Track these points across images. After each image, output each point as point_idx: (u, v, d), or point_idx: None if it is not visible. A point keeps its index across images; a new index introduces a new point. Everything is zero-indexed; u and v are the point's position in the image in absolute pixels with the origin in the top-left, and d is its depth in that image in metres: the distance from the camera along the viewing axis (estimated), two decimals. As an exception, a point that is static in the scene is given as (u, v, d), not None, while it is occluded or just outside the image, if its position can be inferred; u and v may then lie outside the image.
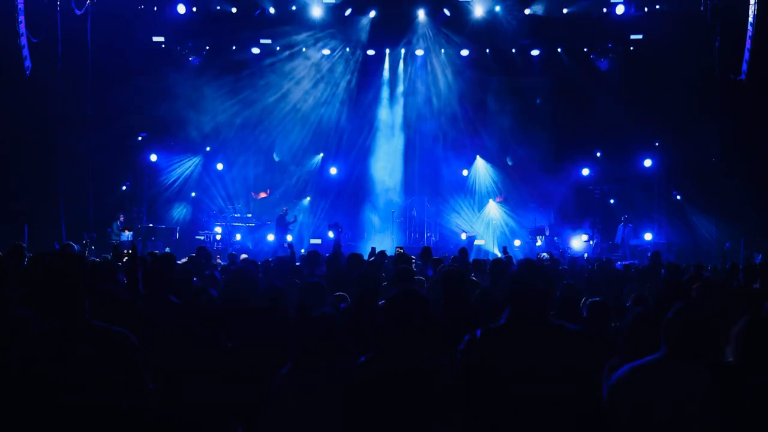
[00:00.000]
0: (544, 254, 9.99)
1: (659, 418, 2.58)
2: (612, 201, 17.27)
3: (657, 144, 16.59)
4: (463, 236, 17.09)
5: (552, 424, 2.61)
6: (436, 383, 2.72)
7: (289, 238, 17.13)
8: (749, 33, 13.85)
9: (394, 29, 17.55)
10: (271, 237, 16.90)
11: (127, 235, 14.14)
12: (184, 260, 10.94)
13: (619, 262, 12.41)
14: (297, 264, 7.41)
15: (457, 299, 4.33)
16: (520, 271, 2.86)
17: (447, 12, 16.96)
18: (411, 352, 2.75)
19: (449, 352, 2.83)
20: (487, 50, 17.74)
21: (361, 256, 6.68)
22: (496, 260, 7.15)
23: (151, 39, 16.84)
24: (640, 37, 16.62)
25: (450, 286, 4.38)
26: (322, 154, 18.74)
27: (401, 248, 11.00)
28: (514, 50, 17.60)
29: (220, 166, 18.16)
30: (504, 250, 12.61)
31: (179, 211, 17.77)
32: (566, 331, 2.75)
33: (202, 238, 16.65)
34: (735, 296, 4.21)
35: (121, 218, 15.49)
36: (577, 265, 10.30)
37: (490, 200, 18.36)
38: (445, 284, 4.41)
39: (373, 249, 9.05)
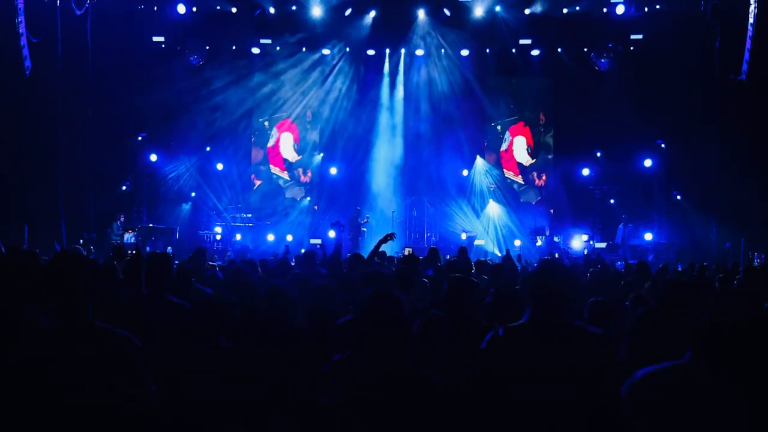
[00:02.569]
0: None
1: (679, 424, 2.55)
2: (612, 201, 17.26)
3: (662, 145, 16.56)
4: (463, 236, 17.08)
5: (568, 423, 2.62)
6: (434, 393, 2.65)
7: (289, 238, 17.13)
8: (749, 33, 13.85)
9: (394, 29, 17.54)
10: (271, 237, 16.89)
11: (130, 235, 14.14)
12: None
13: (619, 263, 12.40)
14: (292, 264, 7.40)
15: (461, 304, 4.28)
16: (541, 270, 2.87)
17: (447, 12, 16.97)
18: (386, 354, 2.66)
19: (453, 354, 2.82)
20: (487, 50, 17.76)
21: (362, 257, 6.65)
22: (496, 265, 7.22)
23: (151, 39, 16.85)
24: (640, 37, 16.63)
25: (455, 293, 4.33)
26: (322, 154, 18.74)
27: (410, 248, 10.98)
28: (514, 50, 17.61)
29: (220, 166, 18.16)
30: (507, 252, 12.59)
31: (179, 211, 17.76)
32: (587, 333, 2.77)
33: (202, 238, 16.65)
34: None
35: (122, 218, 15.49)
36: (577, 265, 10.29)
37: (491, 200, 18.37)
38: (450, 290, 4.35)
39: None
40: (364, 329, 2.73)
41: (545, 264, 2.94)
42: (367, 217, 16.42)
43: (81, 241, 13.51)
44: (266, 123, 18.81)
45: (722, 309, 5.10)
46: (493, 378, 2.69)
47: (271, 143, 18.94)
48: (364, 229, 16.25)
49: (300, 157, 18.94)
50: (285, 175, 18.97)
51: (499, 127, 18.85)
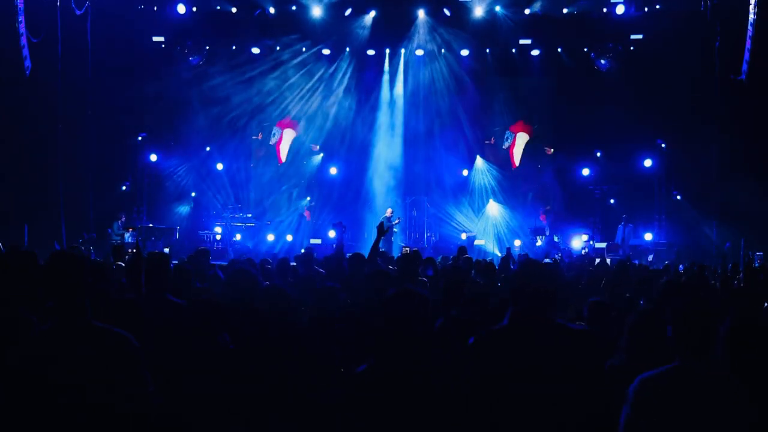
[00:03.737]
0: (546, 260, 10.01)
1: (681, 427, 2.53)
2: (612, 201, 17.26)
3: (662, 145, 16.56)
4: (463, 236, 17.08)
5: (555, 424, 2.61)
6: (436, 383, 2.68)
7: (289, 238, 17.12)
8: (749, 33, 13.87)
9: (394, 29, 17.55)
10: (271, 237, 16.88)
11: (130, 234, 14.13)
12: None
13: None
14: (293, 264, 7.39)
15: (455, 300, 4.30)
16: (521, 271, 2.85)
17: (447, 12, 16.98)
18: (411, 355, 2.63)
19: (451, 351, 2.81)
20: (487, 50, 17.76)
21: (363, 256, 6.63)
22: (488, 264, 7.23)
23: (151, 39, 16.84)
24: (640, 37, 16.63)
25: (450, 287, 4.35)
26: (322, 154, 18.74)
27: (407, 248, 10.94)
28: (514, 50, 17.62)
29: (220, 166, 18.16)
30: (507, 251, 12.60)
31: (179, 211, 17.77)
32: (569, 331, 2.75)
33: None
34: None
35: (122, 218, 15.49)
36: (577, 264, 10.29)
37: (491, 200, 18.37)
38: (446, 285, 4.38)
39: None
40: (390, 331, 2.64)
41: (524, 264, 2.93)
42: (399, 219, 16.40)
43: (81, 241, 13.52)
44: (259, 136, 18.78)
45: (722, 309, 5.10)
46: (477, 381, 2.67)
47: (273, 141, 18.95)
48: (396, 230, 16.25)
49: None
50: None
51: (499, 128, 18.85)
